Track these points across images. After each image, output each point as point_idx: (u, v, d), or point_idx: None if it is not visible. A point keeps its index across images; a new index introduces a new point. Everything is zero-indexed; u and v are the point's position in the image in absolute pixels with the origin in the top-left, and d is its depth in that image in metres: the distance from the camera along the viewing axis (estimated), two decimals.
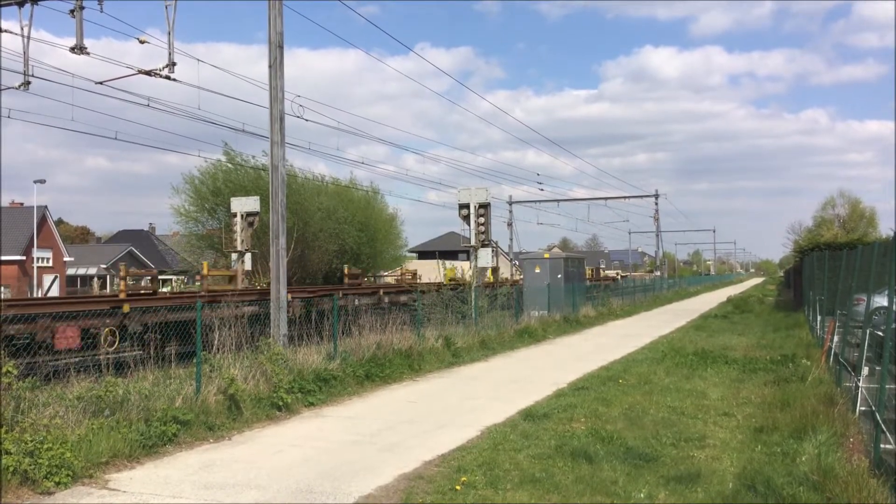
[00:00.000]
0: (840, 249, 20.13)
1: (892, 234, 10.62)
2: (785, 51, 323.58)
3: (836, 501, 6.35)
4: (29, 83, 14.43)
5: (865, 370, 9.68)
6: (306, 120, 20.32)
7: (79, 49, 13.96)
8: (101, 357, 11.36)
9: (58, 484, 7.23)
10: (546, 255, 34.41)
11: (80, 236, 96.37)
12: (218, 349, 11.60)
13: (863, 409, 9.36)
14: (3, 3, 14.41)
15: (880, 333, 9.84)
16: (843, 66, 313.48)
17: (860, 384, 9.69)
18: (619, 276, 64.00)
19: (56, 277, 58.77)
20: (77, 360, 13.00)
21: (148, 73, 14.31)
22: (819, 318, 18.34)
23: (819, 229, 74.55)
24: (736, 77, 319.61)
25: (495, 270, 24.10)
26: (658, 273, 71.51)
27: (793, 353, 15.92)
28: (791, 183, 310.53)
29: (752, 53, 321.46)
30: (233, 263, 26.56)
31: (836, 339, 13.80)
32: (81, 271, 72.38)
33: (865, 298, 10.55)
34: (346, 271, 27.61)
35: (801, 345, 17.92)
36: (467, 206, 23.37)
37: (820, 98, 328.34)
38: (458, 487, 7.15)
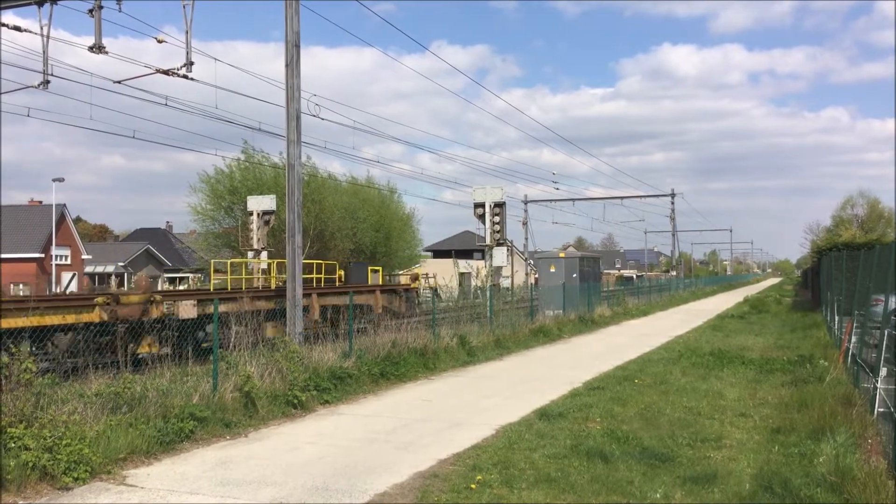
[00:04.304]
0: (858, 250, 19.96)
1: None
2: (805, 48, 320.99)
3: (854, 503, 6.31)
4: (48, 82, 14.58)
5: (884, 371, 9.59)
6: (322, 119, 20.40)
7: (97, 48, 14.09)
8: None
9: (76, 479, 7.29)
10: (561, 255, 34.31)
11: (98, 234, 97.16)
12: (234, 346, 11.67)
13: (881, 410, 9.27)
14: (21, 2, 14.57)
15: None
16: (864, 63, 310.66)
17: (878, 385, 9.59)
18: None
19: (74, 275, 59.31)
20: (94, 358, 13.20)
21: (166, 72, 14.42)
22: (837, 318, 18.19)
23: (837, 229, 73.82)
24: (756, 75, 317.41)
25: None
26: (674, 273, 71.15)
27: (810, 353, 15.79)
28: (809, 182, 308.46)
29: (773, 51, 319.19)
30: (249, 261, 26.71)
31: (853, 339, 13.70)
32: (99, 269, 72.97)
33: (883, 299, 10.45)
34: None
35: (818, 345, 17.77)
36: (482, 205, 23.39)
37: (840, 96, 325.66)
38: (473, 486, 7.16)
